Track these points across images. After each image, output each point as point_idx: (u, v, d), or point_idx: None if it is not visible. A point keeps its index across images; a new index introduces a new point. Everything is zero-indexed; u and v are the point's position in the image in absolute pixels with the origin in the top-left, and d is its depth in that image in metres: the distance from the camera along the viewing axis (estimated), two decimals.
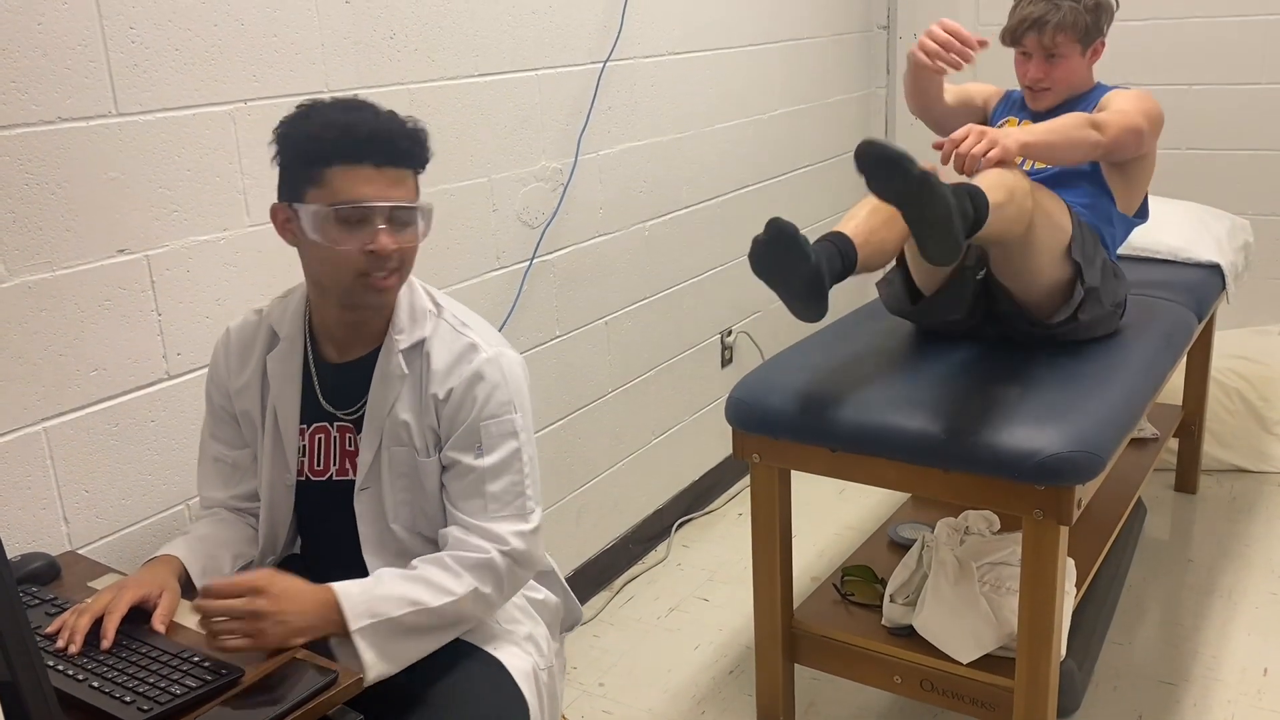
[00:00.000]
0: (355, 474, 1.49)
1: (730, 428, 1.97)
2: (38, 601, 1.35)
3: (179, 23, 1.62)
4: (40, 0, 1.45)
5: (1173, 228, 2.68)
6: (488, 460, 1.44)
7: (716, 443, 3.16)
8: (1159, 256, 2.66)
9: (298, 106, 1.38)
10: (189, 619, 1.33)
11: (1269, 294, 3.37)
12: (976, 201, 1.65)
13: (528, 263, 2.35)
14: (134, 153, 1.58)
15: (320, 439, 1.52)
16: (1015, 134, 1.82)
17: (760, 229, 1.66)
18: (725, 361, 3.15)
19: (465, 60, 2.12)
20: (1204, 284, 2.55)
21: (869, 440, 1.78)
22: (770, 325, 3.35)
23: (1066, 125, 1.95)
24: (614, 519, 2.76)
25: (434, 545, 1.48)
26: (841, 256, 1.74)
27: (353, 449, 1.49)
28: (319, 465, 1.52)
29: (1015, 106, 2.35)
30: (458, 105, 2.12)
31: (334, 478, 1.52)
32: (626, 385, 2.74)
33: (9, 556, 1.22)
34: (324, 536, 1.56)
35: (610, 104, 2.52)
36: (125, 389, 1.62)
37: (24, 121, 1.45)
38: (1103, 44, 2.22)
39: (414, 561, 1.41)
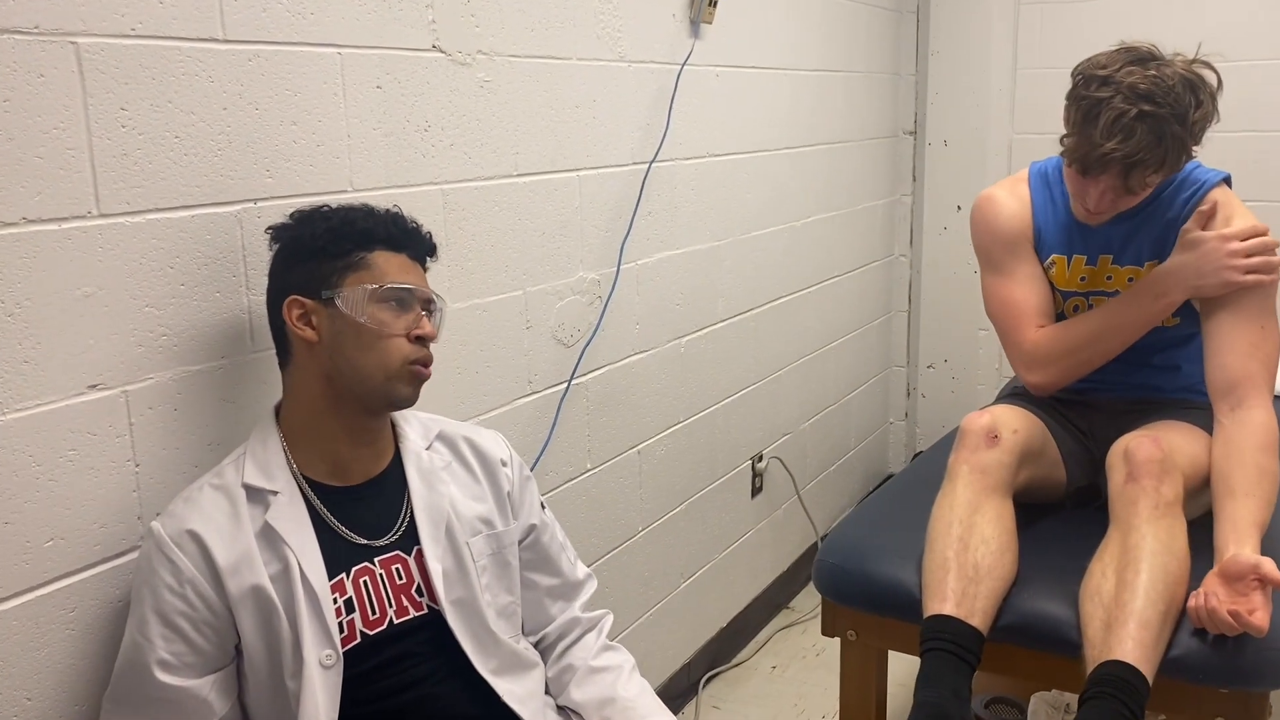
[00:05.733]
0: (421, 605, 1.31)
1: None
2: None
3: (181, 104, 1.31)
4: (7, 72, 1.14)
5: None
6: (549, 511, 1.52)
7: (744, 583, 2.83)
8: None
9: (295, 213, 1.33)
10: None
11: None
12: (1135, 704, 1.35)
13: (565, 386, 2.03)
14: (116, 262, 1.26)
15: (366, 582, 1.27)
16: (1252, 567, 1.39)
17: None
18: (755, 490, 2.83)
19: (504, 158, 1.83)
20: None
21: (1013, 629, 1.46)
22: (799, 449, 3.05)
23: (1259, 477, 1.51)
24: None
25: (527, 643, 1.45)
26: (965, 659, 1.42)
27: (405, 580, 1.31)
28: (374, 615, 1.27)
29: (1058, 218, 1.80)
30: (494, 208, 1.83)
31: (394, 622, 1.30)
32: (657, 522, 2.41)
33: None
34: (392, 696, 1.28)
35: (650, 209, 2.25)
36: (89, 562, 1.26)
37: None
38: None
39: (595, 663, 1.47)
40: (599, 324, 2.10)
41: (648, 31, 2.17)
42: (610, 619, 1.55)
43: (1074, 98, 1.63)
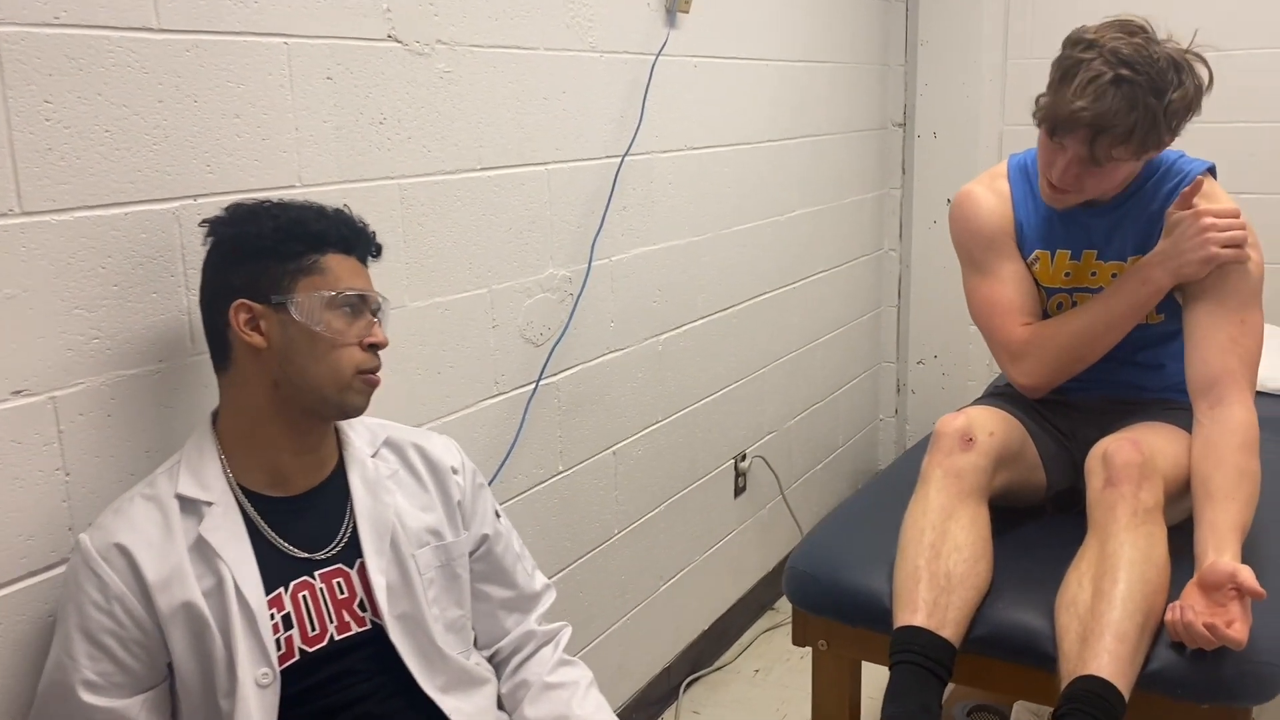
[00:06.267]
0: (364, 621, 1.25)
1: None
2: None
3: (112, 97, 1.25)
4: None
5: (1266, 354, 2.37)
6: (505, 520, 1.46)
7: (727, 585, 2.77)
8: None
9: (233, 206, 1.26)
10: None
11: None
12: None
13: (533, 386, 1.97)
14: (42, 263, 1.20)
15: (305, 597, 1.22)
16: (1229, 576, 1.32)
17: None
18: (738, 490, 2.78)
19: (467, 152, 1.77)
20: None
21: (986, 641, 1.41)
22: (785, 447, 2.99)
23: (1239, 479, 1.45)
24: (618, 685, 2.34)
25: (480, 658, 1.41)
26: (935, 673, 1.36)
27: (346, 595, 1.25)
28: (313, 631, 1.21)
29: (1040, 213, 1.73)
30: (457, 203, 1.77)
31: (335, 638, 1.24)
32: (635, 524, 2.35)
33: None
34: (332, 715, 1.24)
35: (625, 204, 2.19)
36: (13, 576, 1.20)
37: None
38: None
39: (550, 679, 1.41)
40: (569, 322, 2.04)
41: (621, 20, 2.11)
42: (569, 632, 1.49)
43: (1057, 60, 1.58)
